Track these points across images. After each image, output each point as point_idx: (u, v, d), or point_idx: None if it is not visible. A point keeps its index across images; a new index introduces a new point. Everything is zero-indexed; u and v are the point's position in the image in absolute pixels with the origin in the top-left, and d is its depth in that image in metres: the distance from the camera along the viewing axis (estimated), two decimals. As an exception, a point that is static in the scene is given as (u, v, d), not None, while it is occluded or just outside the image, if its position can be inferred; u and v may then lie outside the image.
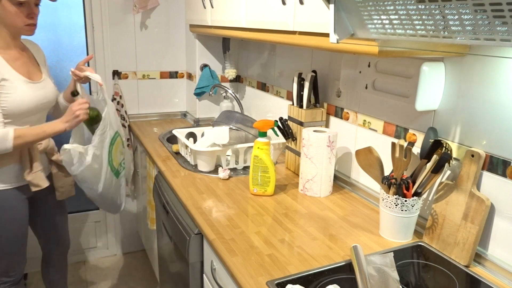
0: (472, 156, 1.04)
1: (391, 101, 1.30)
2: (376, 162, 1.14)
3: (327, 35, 1.10)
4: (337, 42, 0.87)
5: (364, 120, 1.43)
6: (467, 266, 1.03)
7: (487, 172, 1.02)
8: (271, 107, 2.06)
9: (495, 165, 1.00)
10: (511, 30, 0.59)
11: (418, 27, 0.71)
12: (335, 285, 0.93)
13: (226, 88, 2.24)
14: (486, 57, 1.00)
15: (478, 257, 1.04)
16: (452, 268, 1.03)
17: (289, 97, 1.89)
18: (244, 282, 0.96)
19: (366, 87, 1.40)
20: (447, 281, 0.98)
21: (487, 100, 1.00)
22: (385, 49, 0.94)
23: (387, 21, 0.77)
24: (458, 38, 0.66)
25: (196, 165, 1.68)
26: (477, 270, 1.02)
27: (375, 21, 0.79)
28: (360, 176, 1.48)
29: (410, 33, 0.74)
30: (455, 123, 1.10)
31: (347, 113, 1.52)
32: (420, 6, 0.67)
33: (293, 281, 0.95)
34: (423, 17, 0.68)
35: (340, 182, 1.55)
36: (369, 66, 1.38)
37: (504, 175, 0.98)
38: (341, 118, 1.55)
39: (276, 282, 0.96)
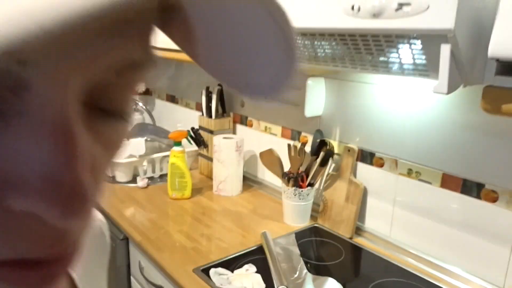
0: (349, 150, 1.32)
1: (286, 109, 1.55)
2: (277, 161, 1.37)
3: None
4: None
5: (266, 126, 1.67)
6: (350, 238, 1.30)
7: (360, 162, 1.31)
8: (181, 118, 2.21)
9: (365, 156, 1.29)
10: (367, 63, 0.84)
11: (319, 54, 0.95)
12: (250, 264, 1.13)
13: (135, 101, 2.34)
14: (355, 73, 1.28)
15: (358, 230, 1.32)
16: (340, 241, 1.29)
17: (198, 108, 2.06)
18: (174, 272, 1.11)
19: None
20: (337, 251, 1.23)
21: (357, 106, 1.29)
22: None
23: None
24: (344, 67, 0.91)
25: (114, 177, 1.77)
26: (358, 240, 1.30)
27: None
28: (265, 175, 1.71)
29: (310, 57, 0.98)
30: (335, 125, 1.38)
31: (251, 120, 1.74)
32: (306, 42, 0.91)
33: (215, 266, 1.13)
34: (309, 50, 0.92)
35: (249, 181, 1.76)
36: (266, 80, 1.62)
37: (371, 164, 1.28)
38: (246, 125, 1.77)
39: (201, 268, 1.12)
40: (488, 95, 0.67)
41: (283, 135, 1.59)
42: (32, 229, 0.16)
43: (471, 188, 1.04)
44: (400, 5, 0.63)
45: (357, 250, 1.24)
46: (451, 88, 0.64)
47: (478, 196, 1.03)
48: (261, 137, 1.70)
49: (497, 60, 0.59)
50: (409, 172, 1.17)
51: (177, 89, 2.23)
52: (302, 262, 1.14)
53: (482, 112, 0.99)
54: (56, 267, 0.18)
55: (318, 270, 1.12)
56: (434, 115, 1.09)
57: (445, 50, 0.63)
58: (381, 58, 0.79)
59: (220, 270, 1.11)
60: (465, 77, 0.65)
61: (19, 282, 0.17)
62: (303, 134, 1.50)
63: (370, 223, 1.31)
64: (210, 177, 1.81)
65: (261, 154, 1.39)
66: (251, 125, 1.74)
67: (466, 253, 1.07)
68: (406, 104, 1.16)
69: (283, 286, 1.01)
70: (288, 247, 1.23)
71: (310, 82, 1.36)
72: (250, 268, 1.11)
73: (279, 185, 1.63)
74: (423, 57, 0.68)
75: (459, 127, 1.04)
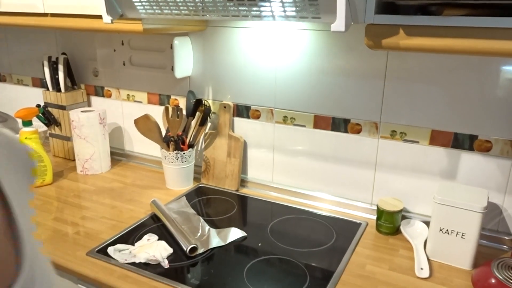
0: (225, 107, 1.35)
1: (150, 73, 1.48)
2: (155, 126, 1.31)
3: (84, 16, 1.16)
4: (111, 23, 0.98)
5: (128, 95, 1.56)
6: (237, 190, 1.36)
7: (236, 117, 1.36)
8: (16, 98, 1.88)
9: (241, 111, 1.34)
10: (237, 9, 0.86)
11: (182, 7, 0.91)
12: (149, 234, 1.08)
13: None
14: (221, 30, 1.30)
15: (243, 182, 1.39)
16: (228, 195, 1.34)
17: (36, 83, 1.79)
18: (67, 262, 0.98)
19: (124, 64, 1.52)
20: (227, 204, 1.27)
21: (227, 63, 1.32)
22: (148, 27, 1.10)
23: (154, 2, 0.93)
24: (213, 16, 0.90)
25: None
26: (244, 191, 1.36)
27: (144, 2, 0.94)
28: (134, 146, 1.61)
29: (175, 13, 0.93)
30: (207, 84, 1.38)
31: (109, 90, 1.60)
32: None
33: (111, 244, 1.04)
34: (187, 1, 0.88)
35: (116, 156, 1.64)
36: (122, 44, 1.50)
37: (248, 117, 1.34)
38: (103, 96, 1.62)
39: (96, 250, 1.02)
40: (370, 32, 0.77)
41: (150, 101, 1.52)
42: None
43: (339, 124, 1.20)
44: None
45: (244, 199, 1.31)
46: (347, 27, 0.72)
47: (345, 130, 1.19)
48: (124, 107, 1.58)
49: (381, -2, 0.69)
50: (285, 119, 1.28)
51: (2, 65, 1.87)
52: (202, 220, 1.15)
53: (344, 58, 1.13)
54: None
55: (217, 225, 1.15)
56: (302, 65, 1.20)
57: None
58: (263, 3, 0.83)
59: (119, 246, 1.03)
60: (355, 16, 0.74)
61: None
62: (173, 97, 1.46)
63: (253, 173, 1.38)
64: (68, 158, 1.62)
65: (136, 121, 1.31)
66: (109, 95, 1.60)
67: (339, 181, 1.24)
68: (275, 56, 1.23)
69: (193, 245, 1.00)
70: (182, 210, 1.21)
71: (176, 42, 1.32)
72: (151, 238, 1.06)
73: (152, 153, 1.57)
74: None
75: (325, 73, 1.17)
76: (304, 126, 1.25)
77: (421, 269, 0.95)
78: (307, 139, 1.26)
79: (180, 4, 0.90)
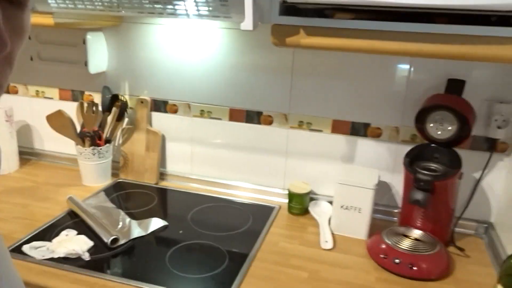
0: (142, 102, 1.37)
1: (62, 69, 1.44)
2: (69, 122, 1.29)
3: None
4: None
5: (37, 91, 1.50)
6: (156, 183, 1.39)
7: (154, 112, 1.39)
8: None
9: (158, 105, 1.37)
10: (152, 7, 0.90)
11: (96, 3, 0.92)
12: (67, 229, 1.07)
13: None
14: (137, 26, 1.31)
15: (162, 175, 1.42)
16: (147, 188, 1.36)
17: None
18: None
19: (32, 59, 1.46)
20: (147, 197, 1.30)
21: (143, 59, 1.34)
22: (60, 21, 1.09)
23: (66, -3, 0.93)
24: (129, 12, 0.93)
25: None
26: (164, 183, 1.40)
27: (55, -3, 0.93)
28: (45, 144, 1.56)
29: (90, 8, 0.94)
30: (123, 79, 1.39)
31: (15, 86, 1.52)
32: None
33: (26, 242, 1.02)
34: (99, -5, 0.90)
35: (25, 155, 1.56)
36: (29, 38, 1.44)
37: (165, 111, 1.37)
38: (8, 92, 1.54)
39: (9, 249, 0.99)
40: (276, 31, 0.86)
41: (62, 97, 1.48)
42: None
43: (253, 116, 1.29)
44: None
45: (166, 192, 1.34)
46: (254, 26, 0.80)
47: (258, 122, 1.29)
48: (33, 104, 1.52)
49: (284, 1, 0.78)
50: (202, 113, 1.34)
51: None
52: (122, 213, 1.17)
53: (255, 54, 1.23)
54: None
55: (138, 217, 1.17)
56: (217, 61, 1.27)
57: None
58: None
59: (36, 243, 1.01)
60: (261, 16, 0.82)
61: None
62: (87, 93, 1.44)
63: (172, 166, 1.42)
64: (-30, 159, 1.51)
65: (49, 117, 1.27)
66: (16, 92, 1.53)
67: (255, 169, 1.33)
68: (191, 52, 1.29)
69: (114, 236, 1.02)
70: (101, 204, 1.21)
71: (89, 37, 1.31)
72: (70, 233, 1.06)
73: (65, 151, 1.53)
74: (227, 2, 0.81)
75: (239, 68, 1.26)
76: (220, 119, 1.32)
77: (326, 242, 1.08)
78: (224, 131, 1.33)
79: (94, 0, 0.92)
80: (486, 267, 1.01)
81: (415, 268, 0.94)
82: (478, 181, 1.14)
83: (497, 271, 0.97)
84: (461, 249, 1.07)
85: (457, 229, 1.15)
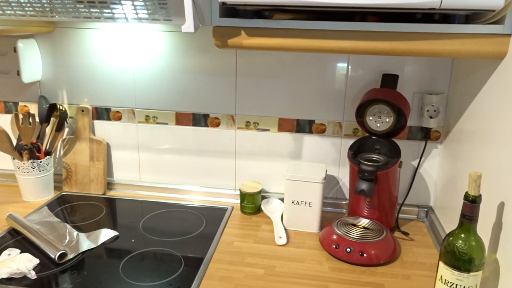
0: (83, 111, 1.32)
1: (-9, 79, 1.35)
2: (4, 135, 1.21)
3: None
4: None
5: (-35, 104, 1.40)
6: (104, 194, 1.34)
7: (96, 120, 1.34)
8: None
9: (101, 113, 1.33)
10: (89, 11, 0.88)
11: (27, 8, 0.88)
12: (9, 249, 1.01)
13: None
14: (72, 31, 1.26)
15: (110, 185, 1.38)
16: (94, 199, 1.31)
17: None
18: None
19: (-44, 70, 1.36)
20: (94, 209, 1.25)
21: (81, 66, 1.29)
22: (-13, 29, 1.03)
23: (-7, 3, 0.88)
24: (63, 17, 0.89)
25: None
26: (112, 193, 1.36)
27: (-20, 3, 0.88)
28: (-23, 161, 1.45)
29: (20, 14, 0.90)
30: (60, 88, 1.33)
31: None
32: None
33: (-37, 267, 0.95)
34: (33, 2, 0.86)
35: (-46, 174, 1.45)
36: (-48, 48, 1.34)
37: (109, 118, 1.33)
38: None
39: None
40: (217, 33, 0.87)
41: (-7, 110, 1.39)
42: None
43: (200, 119, 1.28)
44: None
45: (115, 202, 1.30)
46: (196, 28, 0.80)
47: (206, 125, 1.29)
48: (-39, 118, 1.41)
49: (223, 3, 0.79)
50: (147, 119, 1.31)
51: None
52: (68, 226, 1.12)
53: (198, 57, 1.22)
54: None
55: (86, 231, 1.12)
56: (159, 64, 1.25)
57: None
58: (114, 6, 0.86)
59: (-26, 267, 0.94)
60: (202, 19, 0.82)
61: None
62: (21, 103, 1.36)
63: (120, 175, 1.38)
64: None
65: (-20, 131, 1.19)
66: None
67: (205, 172, 1.33)
68: (132, 57, 1.26)
69: (62, 251, 0.98)
70: (45, 219, 1.15)
71: (20, 44, 1.25)
72: (12, 252, 1.00)
73: (1, 166, 1.44)
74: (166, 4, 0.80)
75: (183, 71, 1.25)
76: (166, 123, 1.31)
77: (280, 237, 1.10)
78: (171, 136, 1.32)
79: (25, 5, 0.88)
80: (429, 248, 1.08)
81: (365, 255, 0.99)
82: (416, 169, 1.21)
83: (439, 251, 1.04)
84: (405, 234, 1.14)
85: (401, 215, 1.22)
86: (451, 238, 0.76)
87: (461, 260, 0.73)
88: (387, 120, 1.07)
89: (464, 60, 1.04)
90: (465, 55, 0.80)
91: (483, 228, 0.84)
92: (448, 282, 0.75)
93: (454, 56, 0.81)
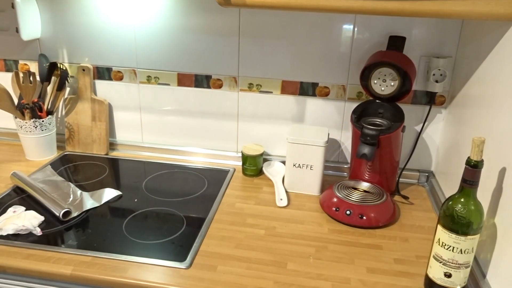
0: (83, 70, 1.30)
1: (-10, 36, 1.33)
2: (4, 93, 1.20)
3: None
4: None
5: (-36, 61, 1.38)
6: (106, 154, 1.35)
7: (98, 80, 1.33)
8: None
9: (102, 73, 1.31)
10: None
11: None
12: (14, 206, 1.03)
13: None
14: (70, -12, 1.23)
15: (112, 145, 1.38)
16: (97, 159, 1.32)
17: None
18: None
19: (-46, 26, 1.33)
20: (98, 169, 1.26)
21: (82, 24, 1.26)
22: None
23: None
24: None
25: None
26: (115, 154, 1.36)
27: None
28: (-21, 120, 1.45)
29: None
30: (60, 46, 1.31)
31: None
32: None
33: (-30, 223, 0.97)
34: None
35: (-43, 132, 1.46)
36: (-51, 3, 1.30)
37: (110, 78, 1.32)
38: None
39: (-48, 231, 0.94)
40: (221, -10, 0.84)
41: (-6, 68, 1.37)
42: None
43: (202, 80, 1.27)
44: None
45: (118, 162, 1.31)
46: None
47: (208, 86, 1.27)
48: (-39, 76, 1.40)
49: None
50: (149, 79, 1.30)
51: None
52: (72, 185, 1.13)
53: (201, 16, 1.19)
54: None
55: (89, 190, 1.14)
56: (161, 23, 1.22)
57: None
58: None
59: (-20, 223, 0.96)
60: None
61: None
62: (22, 62, 1.35)
63: (122, 136, 1.38)
64: None
65: (-19, 89, 1.18)
66: None
67: (207, 134, 1.33)
68: (133, 15, 1.23)
69: (66, 209, 0.99)
70: (48, 178, 1.17)
71: (18, 0, 1.21)
72: (18, 209, 1.01)
73: (4, 125, 1.44)
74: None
75: (185, 31, 1.22)
76: (168, 84, 1.29)
77: (281, 199, 1.11)
78: (173, 97, 1.31)
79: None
80: (428, 212, 1.09)
81: (364, 217, 1.00)
82: (419, 134, 1.21)
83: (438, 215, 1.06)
84: (405, 197, 1.15)
85: (401, 179, 1.23)
86: (450, 202, 0.76)
87: (459, 224, 0.74)
88: (392, 83, 1.05)
89: (474, 22, 1.01)
90: (476, 16, 0.78)
91: (483, 193, 0.84)
92: (445, 244, 0.76)
93: (464, 17, 0.79)
